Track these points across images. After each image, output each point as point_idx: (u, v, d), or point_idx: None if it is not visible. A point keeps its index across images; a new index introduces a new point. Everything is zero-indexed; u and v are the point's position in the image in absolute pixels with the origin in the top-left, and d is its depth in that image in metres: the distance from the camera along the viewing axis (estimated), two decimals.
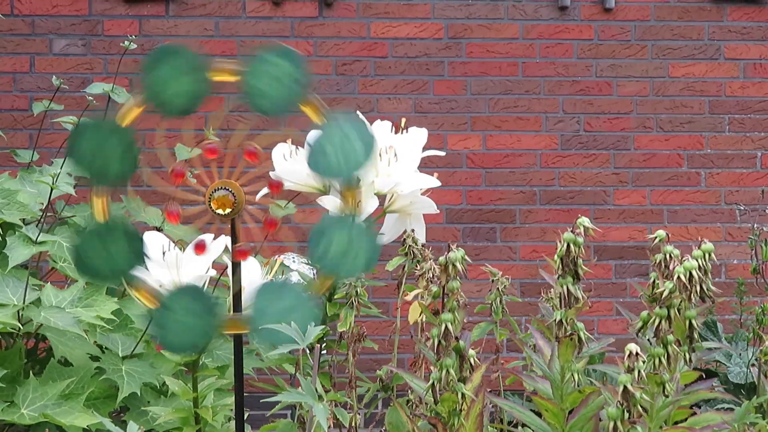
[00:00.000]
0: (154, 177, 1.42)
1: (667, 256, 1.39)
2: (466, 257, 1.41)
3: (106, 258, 1.30)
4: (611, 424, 1.18)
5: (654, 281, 1.40)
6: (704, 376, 1.54)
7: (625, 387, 1.22)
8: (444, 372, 1.36)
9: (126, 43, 2.32)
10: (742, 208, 3.14)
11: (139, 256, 1.31)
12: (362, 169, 1.32)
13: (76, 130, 1.30)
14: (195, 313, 1.31)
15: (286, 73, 1.30)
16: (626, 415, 1.20)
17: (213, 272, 1.64)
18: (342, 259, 1.30)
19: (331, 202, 1.85)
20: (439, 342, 1.36)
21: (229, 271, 1.46)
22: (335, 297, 1.96)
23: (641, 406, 1.19)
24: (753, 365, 2.21)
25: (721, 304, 3.55)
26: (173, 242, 1.67)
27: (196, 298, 1.31)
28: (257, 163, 1.38)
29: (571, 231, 1.39)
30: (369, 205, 1.91)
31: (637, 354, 1.24)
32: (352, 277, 1.40)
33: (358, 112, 2.09)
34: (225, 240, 1.58)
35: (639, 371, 1.22)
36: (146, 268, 1.48)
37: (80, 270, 1.32)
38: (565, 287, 1.38)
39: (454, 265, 1.37)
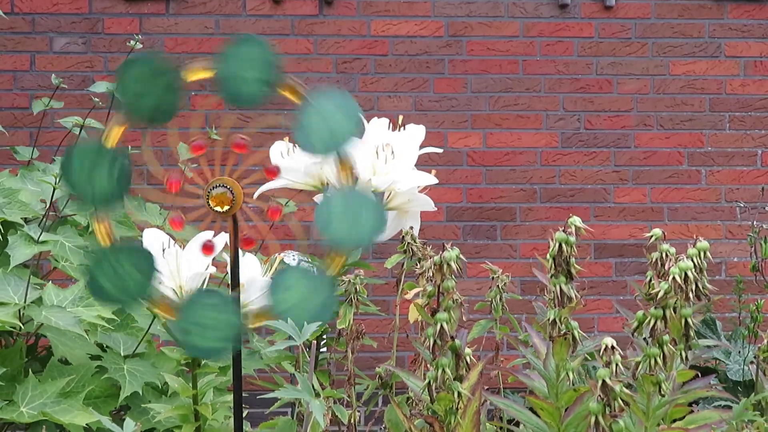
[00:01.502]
0: (153, 191, 1.42)
1: (663, 255, 1.39)
2: (461, 256, 1.41)
3: (118, 282, 1.30)
4: (593, 419, 1.19)
5: (650, 280, 1.40)
6: (700, 375, 1.55)
7: (603, 381, 1.22)
8: (440, 371, 1.36)
9: (132, 42, 2.32)
10: (741, 205, 3.14)
11: (150, 274, 1.32)
12: (351, 140, 1.32)
13: (66, 157, 1.30)
14: (217, 314, 1.31)
15: (257, 60, 1.31)
16: (607, 409, 1.21)
17: (213, 269, 1.65)
18: (348, 228, 1.30)
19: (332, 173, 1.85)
20: (435, 341, 1.36)
21: (228, 268, 1.46)
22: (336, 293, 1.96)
23: (622, 400, 1.20)
24: (751, 363, 2.21)
25: (721, 302, 3.55)
26: (173, 240, 1.68)
27: (215, 299, 1.31)
28: (246, 154, 1.38)
29: (563, 230, 1.39)
30: None
31: (613, 347, 1.24)
32: (363, 246, 1.38)
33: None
34: (225, 237, 1.58)
35: (616, 364, 1.22)
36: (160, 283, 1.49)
37: (95, 296, 1.33)
38: (558, 287, 1.38)
39: (448, 264, 1.37)
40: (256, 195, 1.93)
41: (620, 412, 1.20)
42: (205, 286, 1.68)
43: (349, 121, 1.30)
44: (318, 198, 1.87)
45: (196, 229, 1.79)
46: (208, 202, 1.36)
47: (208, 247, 1.41)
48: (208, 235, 1.67)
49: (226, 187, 1.36)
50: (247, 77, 1.30)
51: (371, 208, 1.28)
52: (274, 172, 1.42)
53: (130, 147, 2.20)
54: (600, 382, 1.21)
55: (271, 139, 1.91)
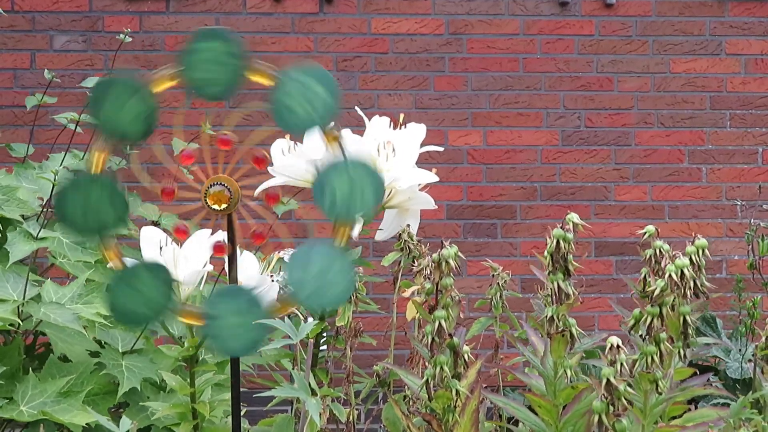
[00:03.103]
0: (155, 173, 1.42)
1: (657, 252, 1.39)
2: (459, 253, 1.41)
3: (141, 300, 1.31)
4: (596, 418, 1.19)
5: (645, 277, 1.40)
6: (698, 372, 1.54)
7: (608, 380, 1.22)
8: (438, 369, 1.36)
9: (122, 36, 2.31)
10: (739, 203, 3.14)
11: (169, 286, 1.32)
12: (333, 112, 1.31)
13: (59, 195, 1.30)
14: (240, 312, 1.31)
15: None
16: (611, 408, 1.20)
17: (210, 267, 1.65)
18: (350, 200, 1.29)
19: None
20: (433, 339, 1.36)
21: (226, 265, 1.46)
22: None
23: (626, 399, 1.19)
24: (749, 361, 2.21)
25: (722, 300, 3.54)
26: (170, 237, 1.68)
27: (236, 297, 1.31)
28: (231, 150, 1.38)
29: (561, 227, 1.39)
30: None
31: (618, 347, 1.24)
32: (368, 215, 1.37)
33: (357, 108, 2.10)
34: (223, 235, 1.58)
35: (621, 363, 1.22)
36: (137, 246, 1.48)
37: (123, 321, 1.33)
38: (555, 283, 1.38)
39: (447, 262, 1.37)
40: (257, 192, 1.93)
41: (623, 411, 1.20)
42: (203, 284, 1.68)
43: (328, 93, 1.29)
44: None
45: (196, 227, 1.79)
46: (205, 200, 1.36)
47: (219, 248, 1.41)
48: (206, 232, 1.68)
49: (224, 185, 1.36)
50: (212, 78, 1.29)
51: (368, 175, 1.27)
52: (262, 161, 1.41)
53: (128, 146, 2.20)
54: (604, 381, 1.21)
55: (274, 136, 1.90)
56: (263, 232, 1.38)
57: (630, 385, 1.45)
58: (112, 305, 1.32)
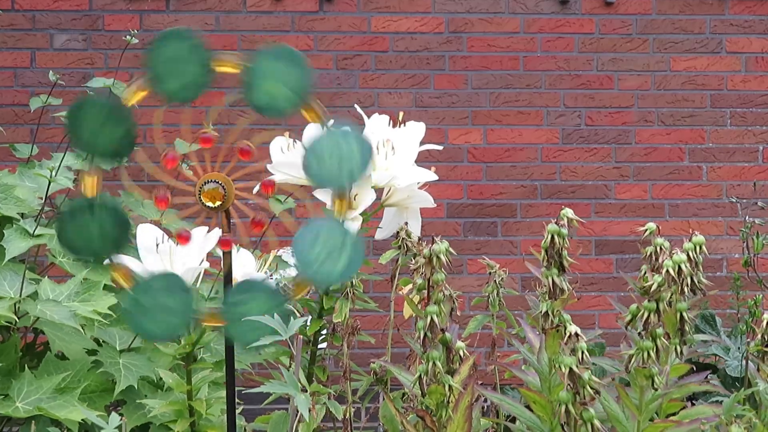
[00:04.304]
0: (155, 169, 1.42)
1: (657, 249, 1.38)
2: (451, 249, 1.41)
3: (159, 315, 1.31)
4: (563, 408, 1.18)
5: (644, 274, 1.40)
6: (695, 369, 1.54)
7: (570, 369, 1.22)
8: (430, 364, 1.36)
9: (128, 37, 2.32)
10: (734, 200, 3.13)
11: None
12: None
13: (61, 222, 1.31)
14: (262, 304, 1.31)
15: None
16: (576, 397, 1.20)
17: (206, 264, 1.65)
18: (340, 167, 1.29)
19: (326, 195, 1.85)
20: (425, 334, 1.36)
21: (222, 263, 1.46)
22: (331, 289, 1.96)
23: (591, 388, 1.19)
24: (744, 358, 2.21)
25: (721, 299, 3.54)
26: (168, 235, 1.68)
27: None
28: (249, 160, 1.38)
29: (556, 222, 1.39)
30: (366, 199, 1.91)
31: (577, 335, 1.23)
32: (359, 180, 1.38)
33: (357, 106, 2.10)
34: (218, 233, 1.58)
35: (582, 351, 1.22)
36: (136, 256, 1.48)
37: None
38: (550, 279, 1.38)
39: (438, 257, 1.37)
40: (255, 190, 1.93)
41: (590, 401, 1.20)
42: (199, 282, 1.68)
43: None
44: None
45: (190, 224, 1.79)
46: (200, 197, 1.36)
47: (182, 237, 1.40)
48: (203, 230, 1.68)
49: (218, 183, 1.36)
50: (180, 79, 1.29)
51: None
52: (270, 186, 1.41)
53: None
54: (567, 371, 1.21)
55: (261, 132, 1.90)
56: (262, 220, 1.38)
57: (627, 384, 1.45)
58: (133, 325, 1.32)
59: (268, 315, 1.25)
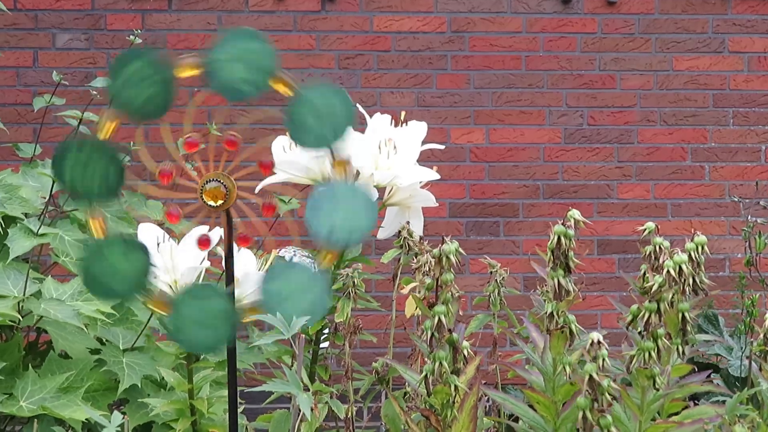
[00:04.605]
0: (148, 187, 1.42)
1: (657, 248, 1.38)
2: (460, 249, 1.41)
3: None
4: (580, 414, 1.18)
5: (644, 274, 1.40)
6: (696, 369, 1.54)
7: (590, 376, 1.22)
8: (437, 364, 1.36)
9: (132, 37, 2.32)
10: (736, 200, 3.13)
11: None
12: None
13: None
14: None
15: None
16: (595, 404, 1.20)
17: (208, 263, 1.65)
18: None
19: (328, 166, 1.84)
20: (432, 334, 1.36)
21: (223, 262, 1.46)
22: (333, 288, 1.96)
23: (610, 395, 1.19)
24: (747, 357, 2.21)
25: (724, 298, 3.54)
26: (170, 235, 1.68)
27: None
28: (236, 151, 1.38)
29: (562, 223, 1.39)
30: None
31: (599, 342, 1.23)
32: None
33: (359, 106, 2.10)
34: (220, 231, 1.58)
35: (603, 359, 1.22)
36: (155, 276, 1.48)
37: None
38: (556, 280, 1.38)
39: (447, 258, 1.37)
40: (257, 189, 1.93)
41: (608, 407, 1.20)
42: (200, 281, 1.68)
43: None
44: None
45: (192, 224, 1.79)
46: (201, 196, 1.36)
47: (203, 242, 1.41)
48: (203, 230, 1.68)
49: (220, 181, 1.36)
50: (148, 97, 1.29)
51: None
52: (268, 167, 1.41)
53: (132, 143, 2.21)
54: (587, 378, 1.21)
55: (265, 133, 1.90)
56: (273, 203, 1.38)
57: (628, 384, 1.45)
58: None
59: (305, 295, 1.25)
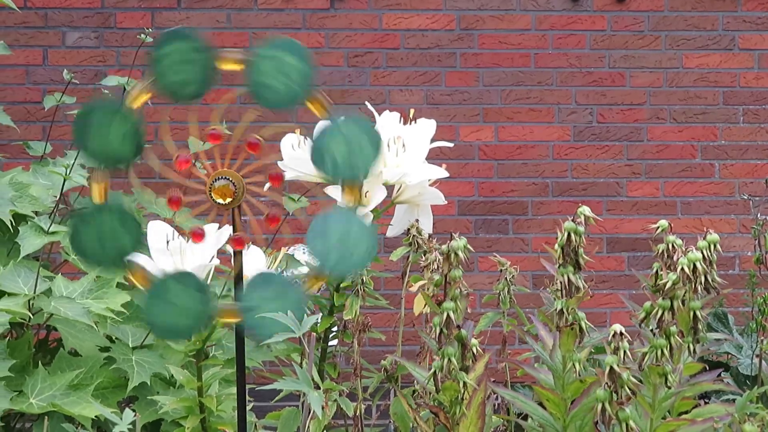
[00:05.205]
0: (165, 168, 1.42)
1: (670, 246, 1.38)
2: (469, 246, 1.41)
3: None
4: (599, 406, 1.18)
5: (657, 272, 1.39)
6: (707, 368, 1.54)
7: (611, 368, 1.22)
8: (446, 360, 1.36)
9: (142, 36, 2.33)
10: (746, 197, 3.12)
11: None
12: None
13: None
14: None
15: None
16: (614, 396, 1.20)
17: (217, 261, 1.65)
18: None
19: (338, 192, 1.85)
20: (441, 331, 1.36)
21: (232, 260, 1.46)
22: (342, 286, 1.96)
23: (629, 388, 1.19)
24: (757, 356, 2.20)
25: (734, 297, 3.52)
26: (179, 232, 1.68)
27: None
28: (258, 155, 1.38)
29: (572, 220, 1.39)
30: (377, 196, 1.91)
31: (621, 334, 1.23)
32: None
33: (368, 103, 2.10)
34: (229, 230, 1.58)
35: (624, 351, 1.21)
36: (148, 255, 1.48)
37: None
38: (565, 276, 1.37)
39: (456, 254, 1.37)
40: (266, 188, 1.93)
41: (627, 401, 1.19)
42: (210, 279, 1.69)
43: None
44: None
45: (202, 222, 1.79)
46: (210, 194, 1.36)
47: (197, 234, 1.40)
48: (213, 227, 1.68)
49: (228, 179, 1.36)
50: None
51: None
52: (278, 179, 1.41)
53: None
54: (607, 369, 1.20)
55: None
56: (277, 216, 1.38)
57: (639, 381, 1.44)
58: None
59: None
